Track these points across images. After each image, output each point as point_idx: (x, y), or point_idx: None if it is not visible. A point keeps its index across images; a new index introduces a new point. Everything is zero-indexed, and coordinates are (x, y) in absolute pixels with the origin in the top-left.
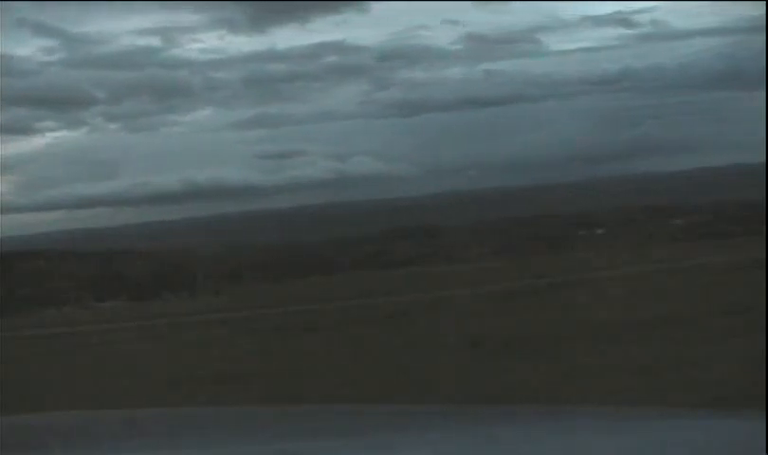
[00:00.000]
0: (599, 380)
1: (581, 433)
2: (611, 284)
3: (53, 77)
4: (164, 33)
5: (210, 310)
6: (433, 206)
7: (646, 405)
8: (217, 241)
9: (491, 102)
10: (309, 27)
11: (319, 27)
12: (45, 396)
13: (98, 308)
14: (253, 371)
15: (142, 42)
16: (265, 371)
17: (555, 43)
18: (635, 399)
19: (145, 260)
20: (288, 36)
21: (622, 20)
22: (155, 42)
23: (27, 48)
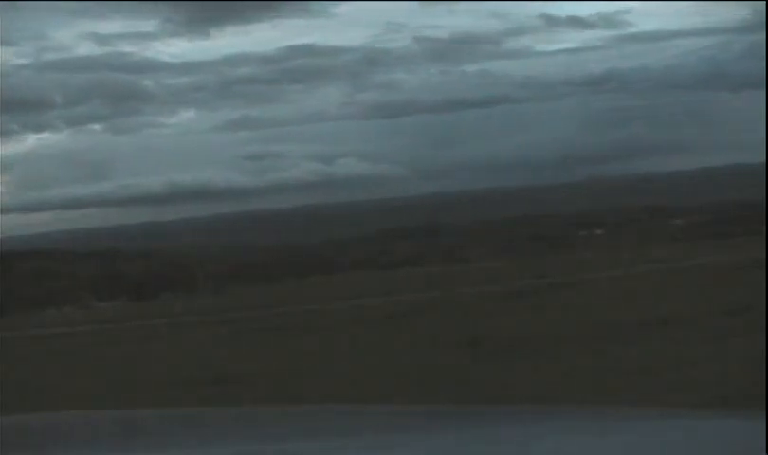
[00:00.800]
0: (599, 380)
1: (581, 433)
2: (610, 285)
3: (22, 81)
4: (129, 38)
5: (209, 310)
6: (423, 206)
7: (646, 405)
8: (216, 241)
9: (474, 104)
10: (282, 28)
11: (291, 29)
12: (46, 396)
13: (98, 308)
14: (253, 371)
15: (108, 47)
16: (265, 371)
17: (540, 44)
18: (635, 399)
19: (145, 260)
20: (260, 39)
21: (606, 21)
22: (121, 47)
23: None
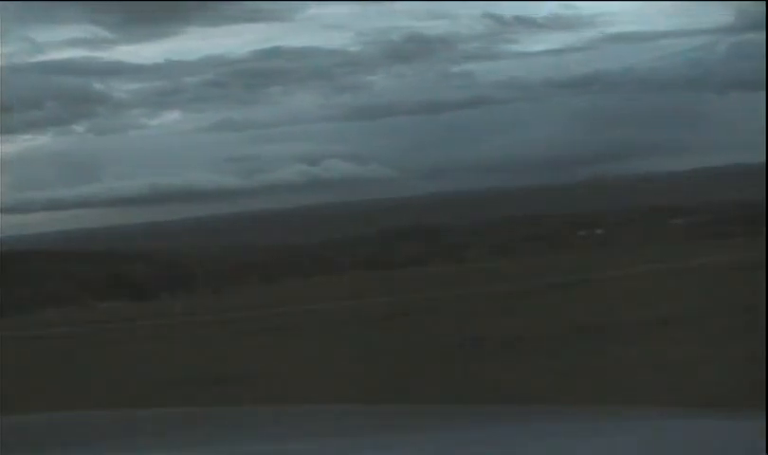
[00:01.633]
0: (599, 380)
1: (581, 433)
2: (610, 285)
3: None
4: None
5: (209, 310)
6: (420, 207)
7: (646, 405)
8: (215, 242)
9: (456, 106)
10: (251, 31)
11: (259, 33)
12: (46, 396)
13: (97, 308)
14: (253, 371)
15: (76, 52)
16: (265, 371)
17: (522, 45)
18: (635, 399)
19: (144, 260)
20: (228, 43)
21: (589, 23)
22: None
23: None
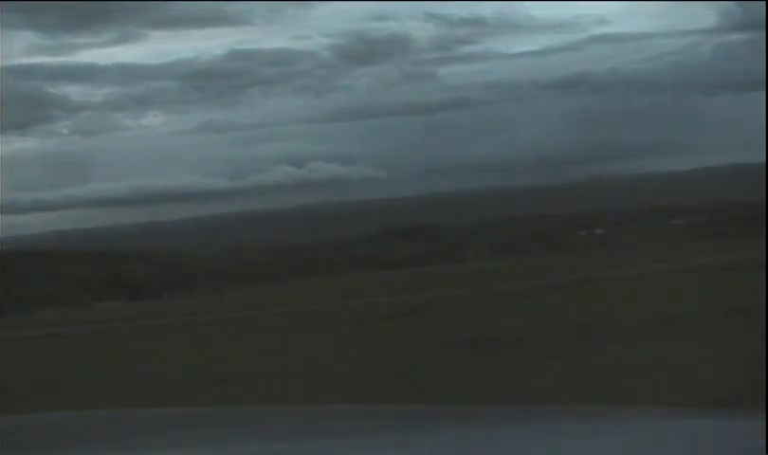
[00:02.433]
0: (599, 380)
1: (581, 433)
2: (610, 285)
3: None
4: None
5: (209, 310)
6: (417, 207)
7: (646, 405)
8: (215, 242)
9: (440, 107)
10: (226, 35)
11: (236, 35)
12: (46, 396)
13: (97, 308)
14: (253, 371)
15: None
16: (265, 371)
17: (510, 46)
18: (635, 399)
19: (144, 260)
20: (201, 45)
21: (573, 23)
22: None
23: None
